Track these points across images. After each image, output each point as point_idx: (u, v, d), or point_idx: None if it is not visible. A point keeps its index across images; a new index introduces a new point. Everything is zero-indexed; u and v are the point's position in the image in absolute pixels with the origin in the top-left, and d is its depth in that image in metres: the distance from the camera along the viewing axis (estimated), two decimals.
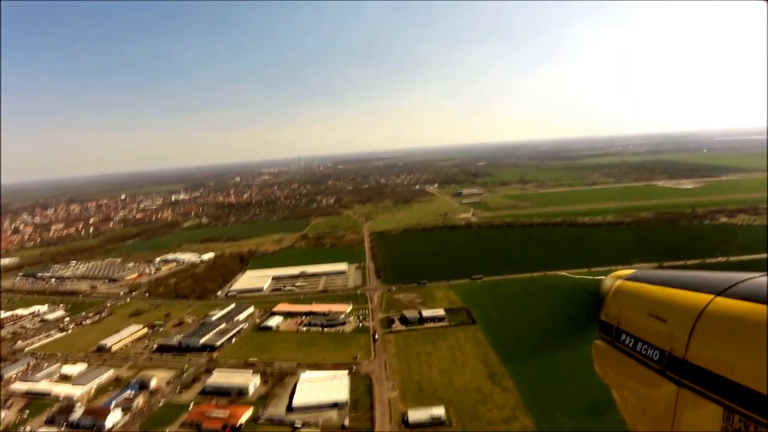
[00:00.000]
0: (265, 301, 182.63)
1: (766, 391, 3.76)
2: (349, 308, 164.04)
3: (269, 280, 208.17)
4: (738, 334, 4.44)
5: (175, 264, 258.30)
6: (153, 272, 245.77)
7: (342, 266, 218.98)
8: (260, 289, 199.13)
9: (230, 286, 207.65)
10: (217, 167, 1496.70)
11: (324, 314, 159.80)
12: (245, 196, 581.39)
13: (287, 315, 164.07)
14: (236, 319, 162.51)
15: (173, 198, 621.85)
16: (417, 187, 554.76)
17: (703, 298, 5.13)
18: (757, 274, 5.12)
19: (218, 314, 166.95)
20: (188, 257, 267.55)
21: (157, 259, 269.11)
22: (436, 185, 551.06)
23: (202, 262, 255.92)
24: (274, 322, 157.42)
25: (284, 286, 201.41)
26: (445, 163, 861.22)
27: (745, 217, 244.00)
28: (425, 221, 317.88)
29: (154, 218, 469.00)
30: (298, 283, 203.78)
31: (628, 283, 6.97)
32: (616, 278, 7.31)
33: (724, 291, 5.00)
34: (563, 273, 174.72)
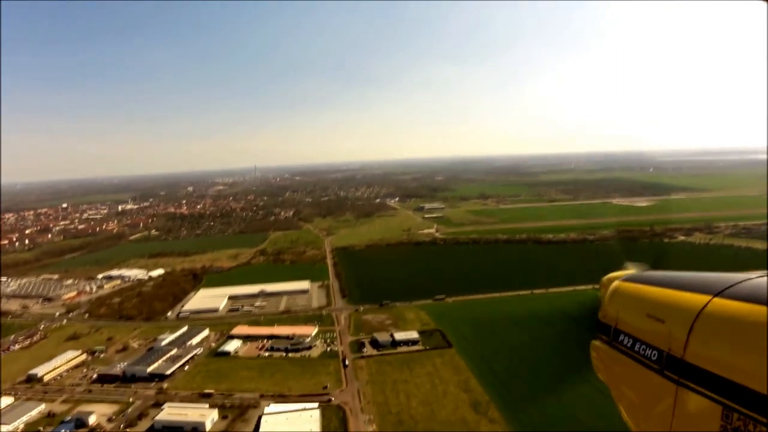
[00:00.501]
0: (221, 323, 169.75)
1: (765, 390, 3.90)
2: (314, 331, 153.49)
3: (225, 300, 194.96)
4: (736, 334, 4.57)
5: (119, 281, 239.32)
6: (94, 290, 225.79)
7: (304, 284, 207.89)
8: (215, 310, 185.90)
9: (182, 307, 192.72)
10: (169, 176, 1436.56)
11: (288, 337, 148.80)
12: (198, 208, 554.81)
13: (247, 338, 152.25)
14: (189, 343, 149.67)
15: (120, 208, 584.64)
16: (378, 200, 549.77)
17: (701, 298, 5.20)
18: (754, 275, 5.15)
19: (168, 338, 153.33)
20: (135, 274, 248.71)
21: (100, 276, 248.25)
22: (397, 199, 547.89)
23: (150, 279, 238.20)
24: (232, 346, 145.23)
25: (242, 306, 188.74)
26: (404, 177, 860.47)
27: (701, 235, 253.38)
28: (389, 237, 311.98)
29: (98, 230, 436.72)
30: (257, 303, 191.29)
31: (626, 284, 6.88)
32: (614, 279, 7.15)
33: (721, 292, 5.09)
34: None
